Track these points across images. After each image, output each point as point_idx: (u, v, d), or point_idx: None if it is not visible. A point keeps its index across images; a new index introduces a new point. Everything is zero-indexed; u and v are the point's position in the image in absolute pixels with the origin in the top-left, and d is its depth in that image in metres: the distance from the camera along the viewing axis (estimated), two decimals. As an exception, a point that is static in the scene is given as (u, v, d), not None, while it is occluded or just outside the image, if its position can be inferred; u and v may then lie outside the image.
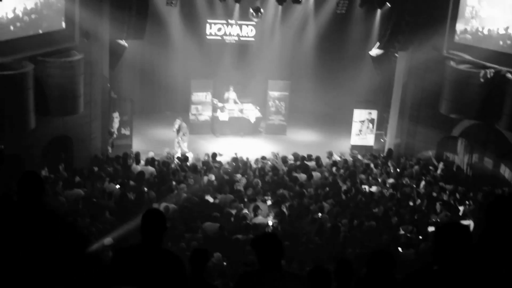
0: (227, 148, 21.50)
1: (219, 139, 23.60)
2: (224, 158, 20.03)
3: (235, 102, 24.48)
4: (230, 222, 14.54)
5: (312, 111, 25.33)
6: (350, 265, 7.11)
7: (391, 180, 18.46)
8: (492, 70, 18.37)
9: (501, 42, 18.66)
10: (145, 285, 5.28)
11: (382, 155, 21.62)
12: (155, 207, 14.58)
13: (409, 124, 21.62)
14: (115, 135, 21.36)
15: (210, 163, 18.92)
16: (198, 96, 23.89)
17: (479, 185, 18.33)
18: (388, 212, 15.62)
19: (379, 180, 18.51)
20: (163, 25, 23.74)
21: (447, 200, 17.02)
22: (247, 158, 19.70)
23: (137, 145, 21.74)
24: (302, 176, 18.11)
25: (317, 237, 13.91)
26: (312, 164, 19.49)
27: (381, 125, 23.47)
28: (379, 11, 23.20)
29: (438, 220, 15.45)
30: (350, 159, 20.73)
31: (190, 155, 20.31)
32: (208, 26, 24.60)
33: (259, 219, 14.80)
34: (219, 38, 24.89)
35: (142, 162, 18.82)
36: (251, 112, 24.40)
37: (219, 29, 24.75)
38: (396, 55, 21.80)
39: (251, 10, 22.66)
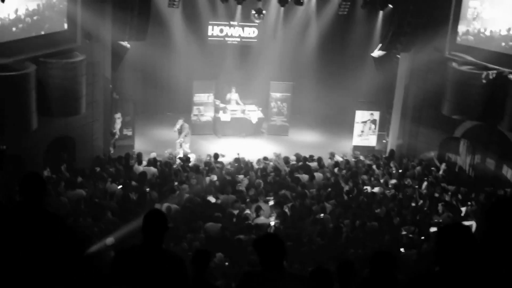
0: (229, 149, 21.50)
1: (221, 140, 23.61)
2: (226, 158, 20.04)
3: (237, 103, 24.49)
4: (232, 223, 14.54)
5: (314, 112, 25.35)
6: (352, 266, 7.12)
7: (393, 181, 18.45)
8: (494, 71, 18.36)
9: (503, 43, 18.65)
10: (147, 286, 5.29)
11: (384, 156, 21.62)
12: (157, 207, 14.59)
13: (411, 125, 21.61)
14: (117, 136, 21.38)
15: (212, 164, 18.93)
16: (200, 97, 23.90)
17: (481, 186, 18.32)
18: (390, 212, 15.62)
19: (381, 181, 18.51)
20: (165, 26, 23.76)
21: (449, 201, 17.01)
22: (249, 159, 19.71)
23: (139, 146, 21.75)
24: (304, 177, 18.10)
25: (319, 237, 13.91)
26: (314, 164, 19.49)
27: (383, 126, 23.46)
28: (381, 13, 23.20)
29: (440, 220, 15.43)
30: (352, 159, 20.73)
31: (192, 156, 20.32)
32: (210, 27, 24.64)
33: (261, 219, 14.80)
34: (221, 39, 24.93)
35: (144, 162, 18.83)
36: (253, 113, 24.41)
37: (221, 31, 24.78)
38: (398, 56, 21.81)
39: (253, 12, 22.65)
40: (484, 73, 18.41)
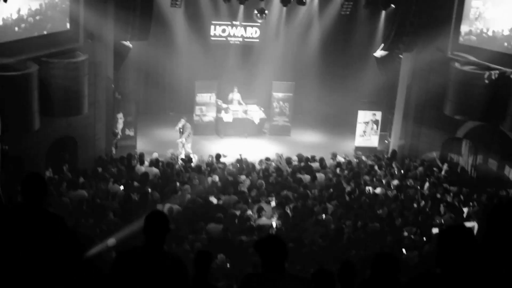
0: (231, 149, 21.49)
1: (223, 140, 23.60)
2: (228, 159, 20.03)
3: (239, 103, 24.50)
4: (234, 224, 14.53)
5: (316, 112, 25.34)
6: (354, 267, 7.11)
7: (395, 182, 18.43)
8: (497, 72, 18.33)
9: (505, 44, 18.62)
10: (147, 287, 5.30)
11: (386, 157, 21.61)
12: (159, 208, 14.60)
13: (413, 125, 21.59)
14: (119, 136, 21.38)
15: (214, 164, 18.92)
16: (203, 97, 23.90)
17: (483, 187, 18.30)
18: (392, 213, 15.60)
19: (383, 181, 18.50)
20: (167, 26, 23.78)
21: (451, 201, 16.99)
22: (251, 159, 19.70)
23: (141, 146, 21.75)
24: (306, 178, 18.09)
25: (321, 238, 13.90)
26: (316, 165, 19.47)
27: (385, 126, 23.46)
28: (383, 13, 23.19)
29: (443, 221, 15.42)
30: (354, 160, 20.72)
31: (194, 156, 20.32)
32: (212, 27, 24.66)
33: (263, 220, 14.79)
34: (223, 39, 24.94)
35: (146, 163, 18.84)
36: (255, 113, 24.40)
37: (224, 30, 24.79)
38: (401, 56, 21.79)
39: (255, 11, 22.66)
40: (487, 73, 18.38)
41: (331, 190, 17.25)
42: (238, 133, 23.92)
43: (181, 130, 21.50)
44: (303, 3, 22.14)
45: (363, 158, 21.26)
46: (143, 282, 5.29)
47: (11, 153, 15.12)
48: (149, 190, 16.33)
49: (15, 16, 15.83)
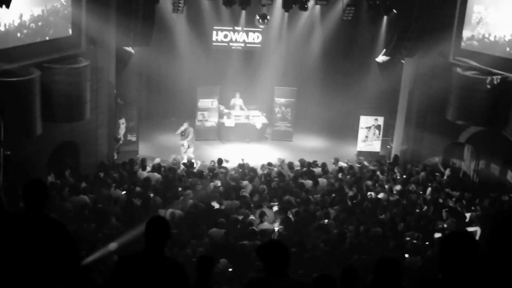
0: (233, 154, 21.47)
1: (225, 145, 23.60)
2: (230, 164, 20.03)
3: (242, 109, 24.50)
4: (236, 228, 14.53)
5: (318, 117, 25.31)
6: (356, 272, 7.10)
7: (398, 187, 18.42)
8: (499, 77, 18.33)
9: (507, 49, 18.63)
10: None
11: (388, 162, 21.60)
12: (161, 213, 14.60)
13: (415, 130, 21.58)
14: (121, 141, 21.39)
15: (216, 169, 18.92)
16: (205, 102, 23.91)
17: (485, 192, 18.27)
18: (394, 218, 15.59)
19: (386, 186, 18.48)
20: (169, 31, 23.79)
21: (453, 206, 16.97)
22: (253, 165, 19.70)
23: (143, 151, 21.78)
24: (308, 183, 18.09)
25: (323, 243, 13.88)
26: (318, 170, 19.47)
27: (387, 131, 23.45)
28: (385, 18, 23.19)
29: (445, 226, 15.40)
30: (356, 165, 20.71)
31: (197, 162, 20.31)
32: (214, 32, 24.67)
33: (265, 225, 14.79)
34: (225, 44, 24.95)
35: (148, 168, 18.85)
36: (257, 119, 24.40)
37: (225, 36, 24.81)
38: (403, 61, 21.78)
39: (257, 17, 22.68)
40: (489, 78, 18.38)
41: (333, 195, 17.23)
42: (240, 138, 23.92)
43: (183, 133, 21.49)
44: (305, 9, 22.14)
45: (365, 163, 21.23)
46: (144, 287, 5.29)
47: (13, 158, 15.12)
48: (151, 195, 16.34)
49: (17, 22, 15.87)
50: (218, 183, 17.59)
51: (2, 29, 15.43)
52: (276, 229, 14.77)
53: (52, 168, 17.82)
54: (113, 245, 12.34)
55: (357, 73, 24.61)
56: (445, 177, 19.67)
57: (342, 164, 20.52)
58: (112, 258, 11.32)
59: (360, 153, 23.09)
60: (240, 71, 25.22)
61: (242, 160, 20.06)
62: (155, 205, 15.74)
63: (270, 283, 5.39)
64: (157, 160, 19.37)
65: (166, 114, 25.26)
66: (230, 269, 12.32)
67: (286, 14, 23.67)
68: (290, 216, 15.43)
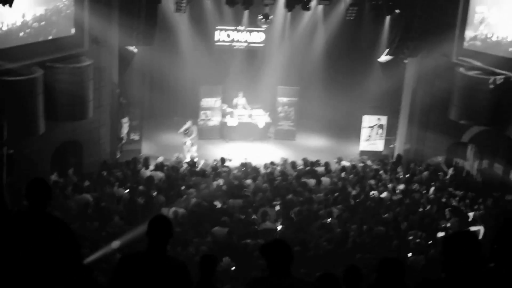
0: (236, 154, 21.47)
1: (228, 144, 23.60)
2: (233, 163, 20.03)
3: (244, 108, 24.49)
4: (239, 227, 14.54)
5: (321, 116, 25.29)
6: (359, 271, 7.10)
7: (401, 186, 18.41)
8: (502, 77, 18.32)
9: (510, 49, 18.60)
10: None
11: (391, 161, 21.59)
12: (164, 212, 14.62)
13: (418, 130, 21.58)
14: (124, 140, 21.40)
15: (219, 168, 18.93)
16: (208, 101, 23.92)
17: (488, 191, 18.24)
18: (397, 217, 15.59)
19: (389, 185, 18.47)
20: (172, 31, 23.79)
21: (456, 205, 16.97)
22: (256, 164, 19.71)
23: (146, 150, 21.80)
24: (311, 182, 18.09)
25: (326, 242, 13.89)
26: (321, 169, 19.48)
27: (390, 130, 23.42)
28: (388, 18, 23.15)
29: (448, 225, 15.39)
30: (359, 164, 20.71)
31: (200, 160, 20.32)
32: (217, 32, 24.64)
33: (268, 224, 14.79)
34: (228, 44, 24.93)
35: (152, 167, 18.86)
36: (260, 118, 24.40)
37: (228, 35, 24.78)
38: (405, 61, 21.78)
39: (260, 16, 22.68)
40: (492, 78, 18.38)
41: (336, 194, 17.23)
42: (243, 137, 23.92)
43: (186, 132, 21.51)
44: (308, 8, 22.13)
45: (368, 162, 21.25)
46: (145, 286, 5.30)
47: (17, 157, 15.15)
48: (154, 193, 16.36)
49: (20, 22, 15.88)
50: (221, 182, 17.60)
51: (5, 28, 15.45)
52: (279, 228, 14.77)
53: (55, 167, 17.85)
54: (116, 244, 12.36)
55: (360, 72, 24.56)
56: (448, 177, 19.67)
57: (345, 163, 20.51)
58: (115, 257, 11.33)
59: (363, 153, 23.10)
60: (242, 71, 25.22)
61: (245, 159, 20.08)
62: (158, 204, 15.76)
63: (273, 283, 5.38)
64: (160, 159, 19.39)
65: (169, 113, 25.27)
66: (233, 268, 12.33)
67: (289, 13, 23.62)
68: (293, 215, 15.45)
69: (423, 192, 18.10)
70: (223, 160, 19.62)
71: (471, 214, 16.36)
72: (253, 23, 23.96)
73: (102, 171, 18.27)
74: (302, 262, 11.87)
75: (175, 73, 24.54)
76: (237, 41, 24.90)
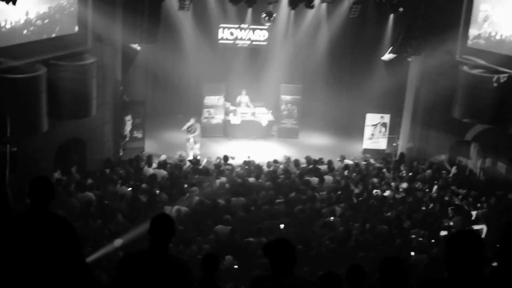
0: (239, 151, 21.45)
1: (231, 142, 23.61)
2: (236, 161, 20.02)
3: (248, 106, 24.50)
4: (242, 226, 14.53)
5: (324, 114, 25.29)
6: (362, 270, 7.09)
7: (404, 185, 18.40)
8: (505, 75, 18.29)
9: (514, 47, 18.59)
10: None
11: (394, 159, 21.57)
12: (167, 210, 14.63)
13: (421, 128, 21.57)
14: (127, 138, 21.41)
15: (222, 166, 18.93)
16: (211, 99, 23.93)
17: (492, 190, 18.24)
18: (400, 216, 15.58)
19: (392, 184, 18.46)
20: (175, 29, 23.79)
21: (459, 204, 16.96)
22: (259, 162, 19.71)
23: (149, 148, 21.81)
24: (314, 180, 18.09)
25: (328, 241, 13.88)
26: (324, 167, 19.47)
27: (393, 129, 23.40)
28: (391, 16, 23.11)
29: (451, 224, 15.38)
30: (362, 163, 20.69)
31: (203, 158, 20.32)
32: (220, 30, 24.63)
33: (272, 222, 14.78)
34: (231, 42, 24.92)
35: (155, 165, 18.87)
36: (263, 116, 24.40)
37: (232, 33, 24.77)
38: (409, 59, 21.75)
39: (263, 15, 22.68)
40: (495, 76, 18.35)
41: (339, 192, 17.22)
42: (246, 135, 23.94)
43: (190, 129, 21.51)
44: (311, 6, 22.11)
45: (371, 160, 21.23)
46: (147, 285, 5.29)
47: (20, 155, 15.15)
48: (157, 191, 16.36)
49: (23, 19, 15.86)
50: (224, 180, 17.60)
51: (8, 26, 15.44)
52: (282, 226, 14.76)
53: (58, 165, 17.87)
54: (118, 242, 12.37)
55: (363, 70, 24.50)
56: (451, 175, 19.66)
57: (348, 161, 20.50)
58: (118, 255, 11.34)
59: (366, 151, 23.09)
60: (246, 69, 25.19)
61: (248, 157, 20.07)
62: (161, 202, 15.77)
63: (276, 282, 5.38)
64: (163, 157, 19.41)
65: (172, 111, 25.27)
66: (236, 266, 12.33)
67: (292, 11, 23.59)
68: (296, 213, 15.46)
69: (426, 190, 18.10)
70: (226, 158, 19.61)
71: (474, 213, 16.36)
72: (256, 21, 23.94)
73: (105, 169, 18.27)
74: (305, 261, 11.87)
75: (179, 71, 24.53)
76: (241, 39, 24.89)
